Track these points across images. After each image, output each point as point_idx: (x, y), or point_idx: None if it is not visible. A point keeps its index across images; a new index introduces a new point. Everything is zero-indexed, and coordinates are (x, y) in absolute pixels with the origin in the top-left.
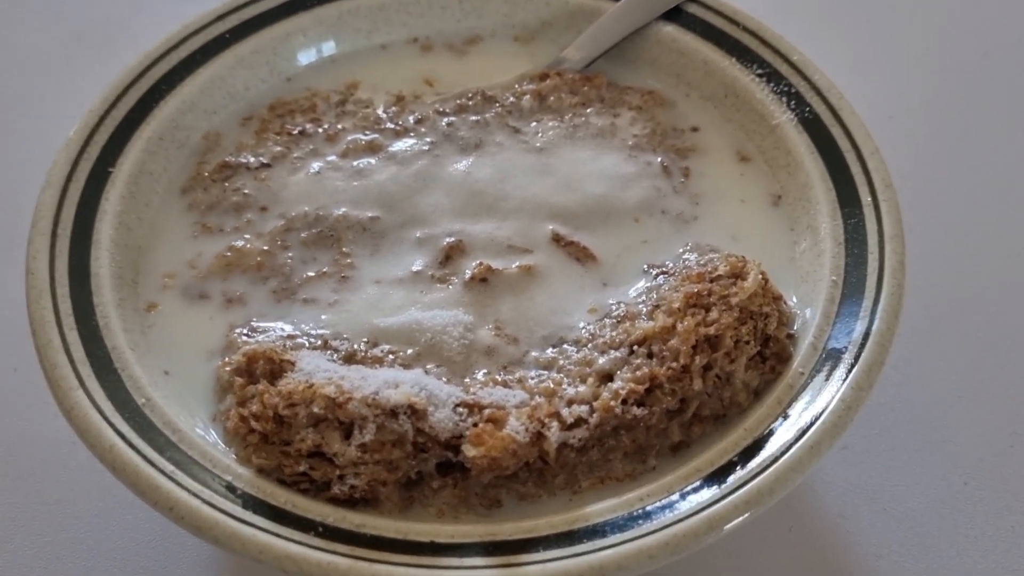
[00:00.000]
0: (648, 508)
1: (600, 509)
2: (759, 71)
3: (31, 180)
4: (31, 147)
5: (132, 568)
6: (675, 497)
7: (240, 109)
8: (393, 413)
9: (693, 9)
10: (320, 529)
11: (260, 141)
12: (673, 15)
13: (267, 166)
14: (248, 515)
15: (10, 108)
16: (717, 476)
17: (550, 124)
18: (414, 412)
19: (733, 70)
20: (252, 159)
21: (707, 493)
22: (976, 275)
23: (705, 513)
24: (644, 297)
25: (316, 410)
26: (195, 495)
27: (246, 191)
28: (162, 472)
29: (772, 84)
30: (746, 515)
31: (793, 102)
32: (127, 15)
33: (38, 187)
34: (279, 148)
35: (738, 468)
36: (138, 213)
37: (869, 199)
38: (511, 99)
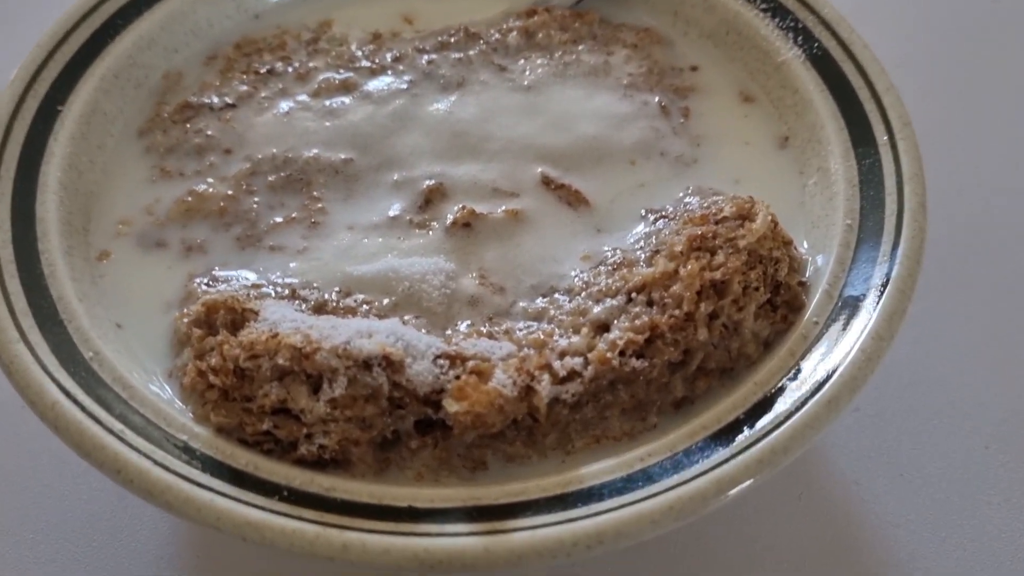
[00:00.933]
0: (649, 469)
1: (596, 471)
2: (763, 5)
3: None
4: None
5: (83, 541)
6: (679, 457)
7: (204, 47)
8: (366, 365)
9: None
10: (285, 493)
11: (225, 81)
12: None
13: (232, 106)
14: (205, 478)
15: None
16: (724, 434)
17: (538, 62)
18: (389, 364)
19: (735, 5)
20: (216, 99)
21: (713, 453)
22: (992, 228)
23: (712, 474)
24: (642, 243)
25: (281, 362)
26: (146, 456)
27: (209, 132)
28: (110, 431)
29: (777, 19)
30: (757, 476)
31: (800, 37)
32: None
33: None
34: (245, 88)
35: (747, 426)
36: (90, 156)
37: (885, 138)
38: (496, 36)
